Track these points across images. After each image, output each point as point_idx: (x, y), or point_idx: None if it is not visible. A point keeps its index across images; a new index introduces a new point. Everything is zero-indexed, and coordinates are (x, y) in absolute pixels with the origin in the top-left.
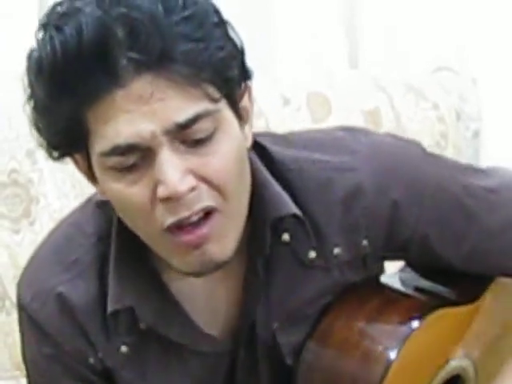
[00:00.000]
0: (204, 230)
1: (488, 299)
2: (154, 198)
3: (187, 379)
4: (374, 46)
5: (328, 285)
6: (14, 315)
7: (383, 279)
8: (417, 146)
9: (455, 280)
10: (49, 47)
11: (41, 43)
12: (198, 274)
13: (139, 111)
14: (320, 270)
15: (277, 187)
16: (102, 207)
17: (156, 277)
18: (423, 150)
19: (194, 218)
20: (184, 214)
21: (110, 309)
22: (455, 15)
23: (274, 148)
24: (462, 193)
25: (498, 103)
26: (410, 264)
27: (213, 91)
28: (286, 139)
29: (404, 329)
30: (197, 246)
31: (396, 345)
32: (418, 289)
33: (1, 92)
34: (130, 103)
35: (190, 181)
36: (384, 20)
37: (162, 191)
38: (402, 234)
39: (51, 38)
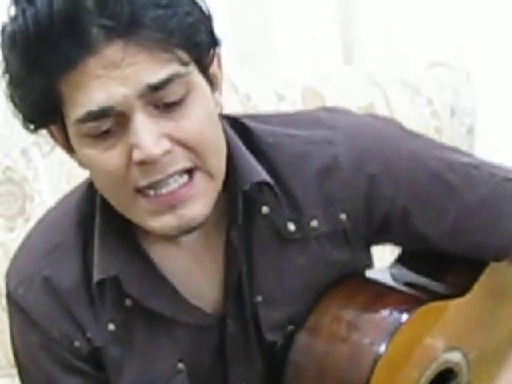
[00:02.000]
0: (185, 188)
1: (478, 291)
2: (128, 163)
3: (175, 353)
4: (368, 41)
5: (309, 259)
6: None
7: (373, 274)
8: (395, 124)
9: (445, 274)
10: (21, 20)
11: (13, 17)
12: (171, 237)
13: (111, 76)
14: (299, 243)
15: (249, 157)
16: (88, 188)
17: (140, 250)
18: (402, 127)
19: (170, 181)
20: (158, 176)
21: (95, 278)
22: (450, 11)
23: (253, 124)
24: (442, 167)
25: (492, 99)
26: (398, 245)
27: (183, 55)
28: (265, 117)
29: (393, 322)
30: (172, 206)
31: (384, 338)
32: (408, 284)
33: None
34: (102, 69)
35: (165, 144)
36: (379, 16)
37: (137, 155)
38: (381, 209)
39: (23, 11)
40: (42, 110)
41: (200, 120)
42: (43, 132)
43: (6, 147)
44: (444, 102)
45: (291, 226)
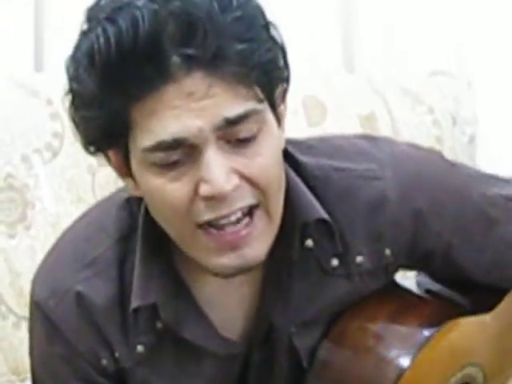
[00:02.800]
0: (248, 229)
1: (503, 309)
2: (194, 196)
3: (200, 380)
4: (370, 49)
5: (348, 292)
6: (10, 320)
7: (400, 283)
8: (438, 155)
9: (472, 289)
10: (102, 39)
11: (92, 35)
12: (229, 276)
13: (188, 107)
14: (341, 278)
15: (307, 193)
16: (125, 205)
17: (178, 277)
18: (444, 158)
19: (233, 217)
20: (224, 211)
21: (133, 305)
22: (452, 19)
23: (300, 156)
24: (484, 202)
25: (493, 107)
26: (427, 274)
27: (259, 92)
28: (310, 147)
29: (419, 336)
30: (234, 247)
31: (410, 352)
32: (434, 294)
33: None
34: (179, 99)
35: (234, 180)
36: (380, 24)
37: (206, 189)
38: (426, 244)
39: (104, 30)
40: (109, 133)
41: (269, 158)
42: (44, 139)
43: (7, 154)
44: (445, 111)
45: (334, 262)
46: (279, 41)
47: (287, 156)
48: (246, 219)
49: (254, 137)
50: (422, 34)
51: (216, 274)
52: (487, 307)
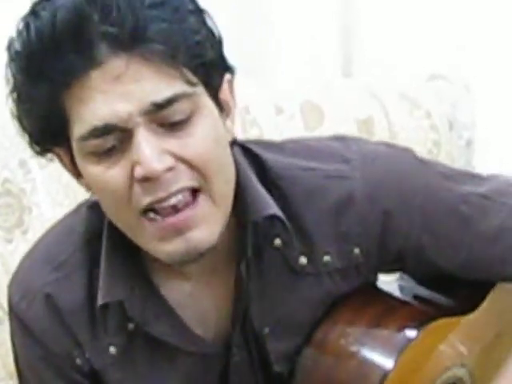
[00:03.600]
0: (188, 211)
1: (486, 309)
2: (131, 180)
3: (176, 379)
4: (368, 54)
5: (320, 293)
6: (7, 325)
7: (382, 287)
8: (409, 154)
9: (454, 289)
10: (25, 33)
11: (19, 32)
12: (180, 263)
13: (115, 91)
14: (311, 277)
15: (260, 189)
16: (94, 209)
17: (146, 276)
18: (416, 157)
19: (173, 200)
20: (161, 194)
21: (100, 302)
22: (449, 24)
23: (266, 155)
24: (456, 200)
25: (491, 112)
26: (407, 273)
27: (189, 75)
28: (278, 146)
29: (401, 339)
30: (179, 230)
31: (393, 354)
32: (416, 297)
33: None
34: (105, 83)
35: (167, 160)
36: (378, 29)
37: (138, 171)
38: (395, 243)
39: (28, 24)
40: (47, 127)
41: (206, 139)
42: None
43: (4, 158)
44: (442, 115)
45: (303, 260)
46: (213, 29)
47: (250, 154)
48: (187, 198)
49: (187, 119)
50: (420, 38)
51: (169, 265)
52: (470, 308)
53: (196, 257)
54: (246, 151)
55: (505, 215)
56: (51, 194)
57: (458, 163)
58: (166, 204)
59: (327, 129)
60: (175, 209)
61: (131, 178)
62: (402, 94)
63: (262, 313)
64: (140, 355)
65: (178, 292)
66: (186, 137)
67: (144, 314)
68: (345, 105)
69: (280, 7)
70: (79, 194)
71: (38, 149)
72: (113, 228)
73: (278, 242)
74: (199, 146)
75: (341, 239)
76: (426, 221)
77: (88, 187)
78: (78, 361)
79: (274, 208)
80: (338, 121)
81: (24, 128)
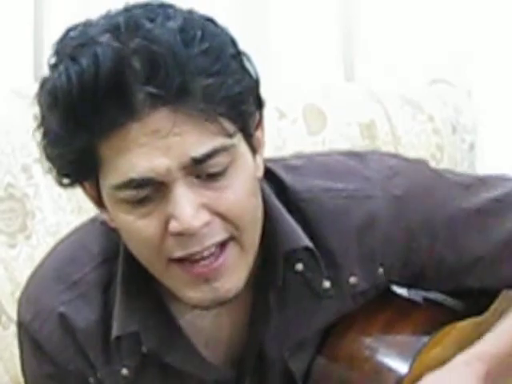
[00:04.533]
0: (219, 260)
1: (495, 310)
2: (164, 232)
3: None
4: (370, 58)
5: (340, 314)
6: (11, 329)
7: (394, 289)
8: (425, 166)
9: (464, 292)
10: (64, 78)
11: (55, 73)
12: (205, 308)
13: (155, 145)
14: (333, 300)
15: (289, 219)
16: (109, 229)
17: (162, 304)
18: (431, 170)
19: (206, 253)
20: (195, 248)
21: (115, 333)
22: (452, 28)
23: (286, 176)
24: (474, 210)
25: (493, 116)
26: (420, 288)
27: (228, 125)
28: (296, 167)
29: (415, 343)
30: (208, 279)
31: (407, 359)
32: (426, 300)
33: None
34: (145, 137)
35: (204, 216)
36: (381, 33)
37: (175, 226)
38: (418, 259)
39: (66, 68)
40: (78, 169)
41: (241, 192)
42: None
43: (8, 164)
44: (445, 119)
45: (326, 284)
46: (251, 71)
47: (270, 176)
48: (218, 252)
49: (223, 171)
50: (422, 42)
51: (193, 307)
52: (480, 309)
53: (221, 304)
54: (265, 172)
55: None
56: (54, 198)
57: (461, 167)
58: (198, 256)
59: (330, 133)
60: (206, 261)
61: (165, 229)
62: (404, 98)
63: (281, 337)
64: (151, 379)
65: (192, 318)
66: (222, 190)
67: (158, 341)
68: (347, 109)
69: (281, 11)
70: (82, 199)
71: (65, 182)
72: (129, 255)
73: (299, 266)
74: (235, 200)
75: (366, 260)
76: (447, 234)
77: (111, 221)
78: (92, 380)
79: (304, 240)
80: (340, 125)
81: (52, 164)
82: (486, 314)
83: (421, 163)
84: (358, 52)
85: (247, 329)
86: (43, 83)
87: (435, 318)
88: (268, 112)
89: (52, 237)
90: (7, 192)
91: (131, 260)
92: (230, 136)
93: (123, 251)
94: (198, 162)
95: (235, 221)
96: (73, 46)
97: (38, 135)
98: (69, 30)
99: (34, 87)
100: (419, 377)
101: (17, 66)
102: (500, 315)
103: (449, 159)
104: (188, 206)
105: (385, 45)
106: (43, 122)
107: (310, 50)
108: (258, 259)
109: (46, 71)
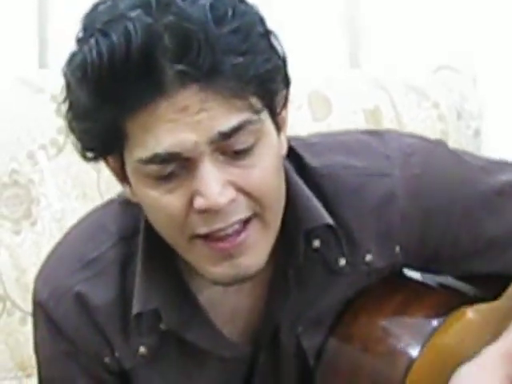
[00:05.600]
0: (242, 236)
1: (510, 295)
2: (189, 208)
3: (204, 382)
4: (375, 45)
5: (354, 291)
6: (16, 316)
7: (407, 273)
8: (444, 147)
9: (476, 276)
10: (95, 52)
11: (85, 47)
12: (226, 284)
13: (182, 121)
14: (349, 278)
15: (310, 196)
16: (127, 207)
17: (182, 281)
18: (450, 150)
19: (229, 230)
20: (219, 225)
21: (135, 311)
22: (457, 15)
23: (305, 153)
24: (491, 192)
25: (498, 102)
26: (432, 272)
27: (256, 102)
28: (315, 144)
29: (427, 326)
30: (230, 255)
31: (419, 342)
32: (438, 284)
33: (2, 93)
34: (173, 113)
35: (230, 193)
36: (385, 19)
37: (200, 203)
38: (434, 239)
39: (97, 43)
40: (104, 144)
41: (267, 170)
42: (49, 135)
43: (13, 150)
44: (450, 106)
45: (342, 261)
46: (279, 49)
47: (290, 153)
48: (241, 229)
49: (250, 148)
50: (427, 29)
51: (214, 283)
52: (493, 294)
53: (243, 281)
54: (288, 153)
55: None
56: (59, 185)
57: None
58: (222, 233)
59: (335, 120)
60: (230, 237)
61: (189, 206)
62: (409, 85)
63: (296, 313)
64: (170, 357)
65: (212, 295)
66: (248, 167)
67: (178, 318)
68: (352, 96)
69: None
70: (87, 186)
71: (90, 156)
72: (150, 231)
73: (316, 243)
74: (260, 178)
75: (383, 237)
76: (463, 215)
77: (134, 197)
78: (107, 359)
79: (326, 217)
80: (345, 111)
81: (78, 138)
82: (502, 299)
83: (440, 143)
84: (363, 39)
85: (265, 305)
86: (72, 57)
87: (448, 302)
88: None
89: (57, 223)
90: (12, 178)
91: (152, 237)
92: (257, 112)
93: (144, 228)
94: (225, 136)
95: (260, 198)
96: (103, 21)
97: (64, 108)
98: (97, 5)
99: (39, 74)
100: (431, 360)
101: (22, 54)
102: None
103: (454, 145)
104: (214, 182)
105: (390, 32)
106: (70, 96)
107: (316, 37)
108: (279, 236)
109: (50, 57)
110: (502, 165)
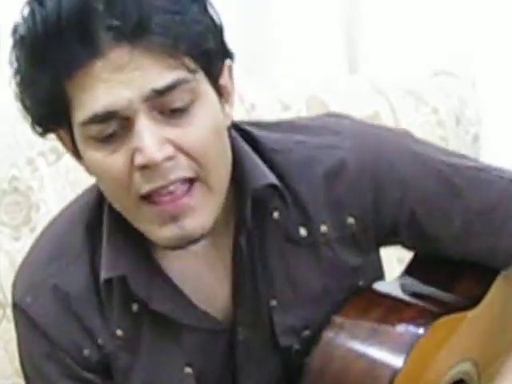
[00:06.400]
0: (185, 199)
1: (489, 302)
2: (131, 167)
3: (183, 357)
4: (373, 50)
5: (322, 264)
6: None
7: (383, 287)
8: (401, 130)
9: (455, 285)
10: (30, 20)
11: (25, 18)
12: (174, 247)
13: (117, 79)
14: (311, 248)
15: (258, 161)
16: (91, 194)
17: (148, 254)
18: (408, 133)
19: (171, 188)
20: (160, 182)
21: (102, 277)
22: (455, 20)
23: (259, 132)
24: (449, 171)
25: (497, 107)
26: (407, 248)
27: (190, 62)
28: (271, 124)
29: (409, 337)
30: (175, 217)
31: (402, 353)
32: (418, 295)
33: (2, 102)
34: (107, 72)
35: (167, 150)
36: (383, 24)
37: (138, 159)
38: (389, 211)
39: (33, 11)
40: (50, 110)
41: (205, 129)
42: (49, 142)
43: (12, 157)
44: (449, 111)
45: (303, 231)
46: (214, 18)
47: (243, 134)
48: (184, 190)
49: (187, 107)
50: (426, 34)
51: (163, 246)
52: (472, 302)
53: (189, 243)
54: (237, 130)
55: (501, 188)
56: (58, 191)
57: None
58: (164, 191)
59: None
60: (172, 196)
61: (131, 164)
62: (407, 90)
63: (267, 286)
64: (145, 335)
65: (179, 269)
66: (186, 126)
67: (148, 290)
68: (350, 101)
69: (284, 4)
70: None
71: (40, 130)
72: (114, 211)
73: (276, 214)
74: (198, 137)
75: (334, 208)
76: (418, 190)
77: (88, 170)
78: (86, 352)
79: (270, 177)
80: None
81: (27, 110)
82: (480, 307)
83: (397, 128)
84: (361, 44)
85: (234, 278)
86: (15, 29)
87: (429, 312)
88: (271, 104)
89: None
90: (12, 185)
91: (116, 214)
92: (192, 72)
93: (108, 207)
94: (159, 93)
95: (199, 158)
96: None
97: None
98: None
99: None
100: (414, 371)
101: None
102: (499, 309)
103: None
104: (151, 137)
105: (388, 37)
106: (17, 67)
107: (314, 42)
108: (232, 202)
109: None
110: (462, 155)
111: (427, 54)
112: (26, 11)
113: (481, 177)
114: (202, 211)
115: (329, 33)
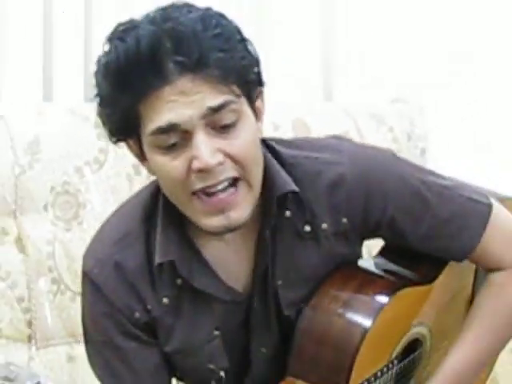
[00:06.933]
0: (232, 196)
1: (441, 280)
2: (189, 170)
3: (213, 323)
4: (345, 82)
5: (320, 252)
6: (67, 295)
7: (361, 263)
8: (389, 152)
9: (417, 266)
10: (114, 54)
11: (107, 51)
12: (218, 233)
13: (181, 101)
14: (313, 241)
15: (281, 171)
16: (150, 192)
17: (191, 241)
18: (394, 154)
19: (220, 186)
20: (211, 181)
21: (156, 261)
22: (407, 57)
23: (279, 148)
24: (422, 187)
25: (441, 127)
26: (385, 241)
27: (236, 89)
28: (288, 142)
29: (378, 303)
30: (222, 209)
31: (371, 316)
32: (388, 271)
33: (57, 121)
34: (174, 96)
35: (218, 157)
36: (355, 60)
37: (196, 164)
38: (374, 216)
39: (116, 47)
40: (124, 125)
41: (247, 141)
42: (93, 154)
43: (64, 166)
44: (403, 130)
45: (307, 228)
46: (253, 53)
47: (269, 148)
48: (232, 189)
49: (233, 124)
50: (387, 66)
51: (209, 233)
52: (430, 279)
53: (231, 231)
54: (267, 146)
55: (459, 204)
56: (101, 193)
57: None
58: (214, 189)
59: None
60: (222, 193)
61: (189, 168)
62: (371, 114)
63: (276, 269)
64: (185, 304)
65: (214, 252)
66: (233, 138)
67: (189, 270)
68: (327, 123)
69: (271, 38)
70: (122, 194)
71: (114, 139)
72: (167, 206)
73: (288, 213)
74: (242, 147)
75: (333, 211)
76: (397, 200)
77: (150, 170)
78: (137, 314)
79: (293, 185)
80: (321, 135)
81: (104, 124)
82: (436, 282)
83: (387, 151)
84: (335, 77)
85: (254, 259)
86: (99, 60)
87: (395, 285)
88: (265, 125)
89: (99, 223)
90: (64, 188)
91: (169, 208)
92: (237, 96)
93: (162, 202)
94: (213, 110)
95: (242, 161)
96: (120, 31)
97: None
98: (119, 25)
99: (85, 106)
100: (380, 330)
101: (70, 89)
102: (450, 287)
103: None
104: (206, 148)
105: (358, 69)
106: (98, 90)
107: (296, 76)
108: (261, 204)
109: (94, 92)
110: (435, 173)
111: (386, 85)
112: (107, 47)
113: (446, 193)
114: (244, 205)
115: (309, 68)
